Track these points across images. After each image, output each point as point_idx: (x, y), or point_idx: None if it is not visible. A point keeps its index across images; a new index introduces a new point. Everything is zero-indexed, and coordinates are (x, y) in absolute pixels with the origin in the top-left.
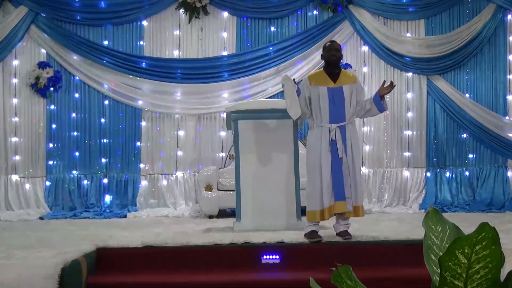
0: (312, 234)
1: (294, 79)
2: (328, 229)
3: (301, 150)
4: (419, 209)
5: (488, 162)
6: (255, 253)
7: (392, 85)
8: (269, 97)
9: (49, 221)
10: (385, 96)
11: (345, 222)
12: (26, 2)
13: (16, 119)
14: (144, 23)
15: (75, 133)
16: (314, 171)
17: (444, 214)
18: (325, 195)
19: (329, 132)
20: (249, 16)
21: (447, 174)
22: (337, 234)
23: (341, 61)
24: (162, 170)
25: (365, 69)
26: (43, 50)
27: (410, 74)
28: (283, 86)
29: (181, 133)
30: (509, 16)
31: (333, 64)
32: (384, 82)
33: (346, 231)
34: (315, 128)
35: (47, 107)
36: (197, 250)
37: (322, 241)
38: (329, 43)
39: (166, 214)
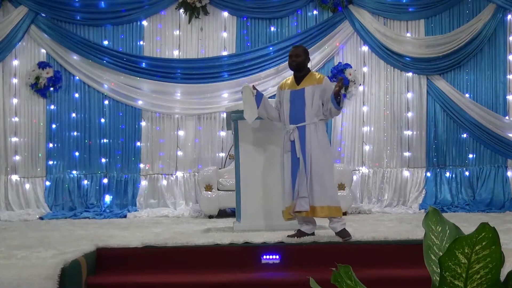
0: (296, 233)
1: (253, 85)
2: (328, 229)
3: None
4: (419, 209)
5: (488, 162)
6: (255, 253)
7: (340, 81)
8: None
9: (49, 221)
10: (340, 93)
11: (337, 220)
12: (26, 2)
13: (16, 119)
14: (144, 23)
15: (75, 133)
16: (281, 171)
17: (444, 214)
18: (286, 194)
19: (288, 133)
20: (249, 16)
21: (447, 174)
22: (336, 234)
23: (308, 63)
24: (162, 170)
25: (365, 69)
26: (43, 50)
27: (410, 74)
28: (242, 93)
29: (181, 133)
30: (509, 16)
31: (294, 70)
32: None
33: (344, 229)
34: (283, 130)
35: (47, 107)
36: (197, 250)
37: (323, 241)
38: (292, 48)
39: (166, 214)
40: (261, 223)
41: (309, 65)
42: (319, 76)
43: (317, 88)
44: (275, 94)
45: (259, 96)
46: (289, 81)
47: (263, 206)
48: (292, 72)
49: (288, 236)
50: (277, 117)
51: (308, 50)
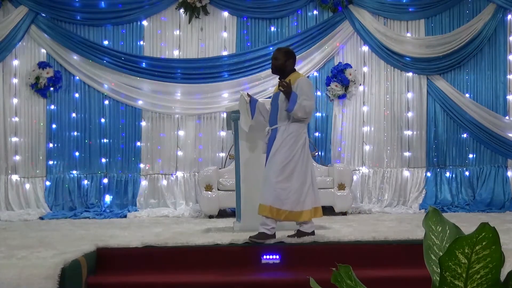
0: (294, 234)
1: (247, 93)
2: (328, 229)
3: None
4: (419, 209)
5: (488, 162)
6: (255, 253)
7: (281, 83)
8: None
9: (49, 221)
10: (291, 95)
11: (263, 221)
12: (26, 2)
13: (16, 119)
14: (144, 23)
15: (75, 133)
16: None
17: (444, 214)
18: None
19: (265, 135)
20: (249, 16)
21: (447, 174)
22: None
23: (289, 65)
24: (162, 170)
25: (365, 69)
26: (43, 50)
27: (410, 74)
28: (239, 102)
29: (181, 133)
30: (509, 16)
31: (274, 73)
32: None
33: (263, 233)
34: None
35: (47, 107)
36: (197, 250)
37: (323, 241)
38: (274, 51)
39: (166, 214)
40: None
41: (308, 66)
42: (294, 78)
43: None
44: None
45: (253, 103)
46: (277, 84)
47: None
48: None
49: (288, 236)
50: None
51: (308, 50)
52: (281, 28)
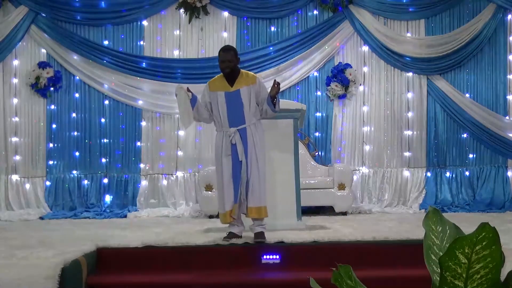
0: (228, 235)
1: (188, 88)
2: (328, 229)
3: (301, 150)
4: (419, 209)
5: (488, 162)
6: (255, 253)
7: (276, 84)
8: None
9: (49, 221)
10: (277, 96)
11: (258, 223)
12: (26, 2)
13: (16, 119)
14: (144, 23)
15: (75, 133)
16: (218, 175)
17: (444, 214)
18: (226, 198)
19: (229, 136)
20: (249, 16)
21: (447, 174)
22: (255, 236)
23: (238, 65)
24: (162, 170)
25: (365, 69)
26: (43, 50)
27: (410, 74)
28: (176, 96)
29: (181, 133)
30: (509, 16)
31: (227, 74)
32: (274, 81)
33: (261, 232)
34: (218, 133)
35: (47, 107)
36: (197, 250)
37: (323, 241)
38: (221, 52)
39: (166, 214)
40: None
41: (308, 66)
42: (251, 75)
43: (252, 89)
44: None
45: (194, 100)
46: (219, 82)
47: None
48: (221, 72)
49: (224, 239)
50: (208, 118)
51: (308, 50)
52: (281, 28)
